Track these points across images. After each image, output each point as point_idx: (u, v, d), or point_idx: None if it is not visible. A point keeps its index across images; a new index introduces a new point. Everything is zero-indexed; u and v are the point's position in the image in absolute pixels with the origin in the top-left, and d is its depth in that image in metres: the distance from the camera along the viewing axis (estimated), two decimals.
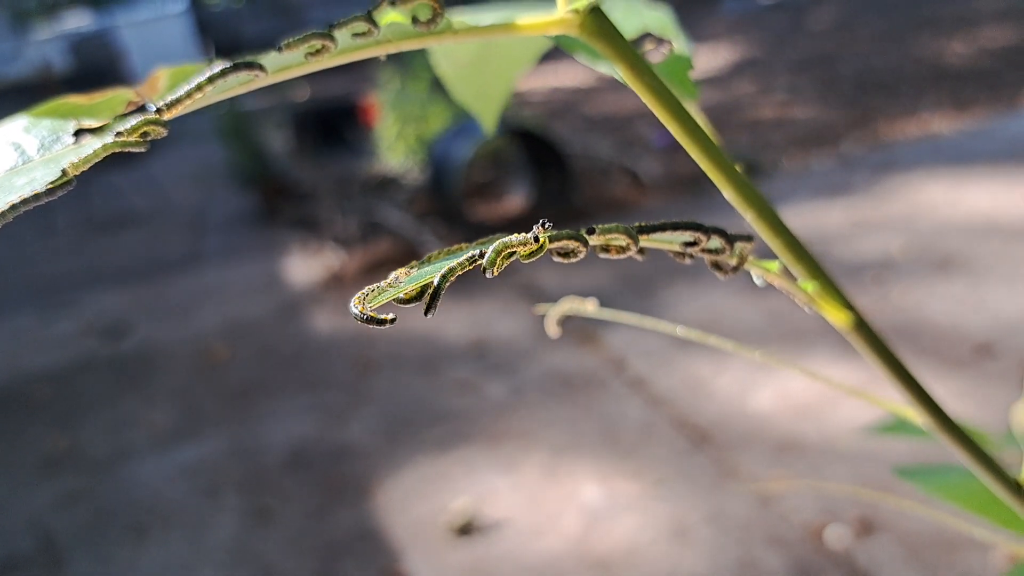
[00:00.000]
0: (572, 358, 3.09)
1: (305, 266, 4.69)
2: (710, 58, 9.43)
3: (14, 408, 3.48)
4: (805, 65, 8.07)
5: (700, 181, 4.96)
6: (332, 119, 6.47)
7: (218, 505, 2.55)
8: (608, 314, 0.39)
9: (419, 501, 2.42)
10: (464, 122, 4.79)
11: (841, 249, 3.76)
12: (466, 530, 2.26)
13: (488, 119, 0.61)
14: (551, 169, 4.79)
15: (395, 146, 5.46)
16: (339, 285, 4.25)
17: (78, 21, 12.69)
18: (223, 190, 6.85)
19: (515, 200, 5.06)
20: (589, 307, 0.42)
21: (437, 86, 5.23)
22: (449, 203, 4.55)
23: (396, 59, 6.46)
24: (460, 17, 0.42)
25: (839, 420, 2.48)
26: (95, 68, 9.95)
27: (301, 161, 5.87)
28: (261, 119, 6.53)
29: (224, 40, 15.34)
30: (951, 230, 3.74)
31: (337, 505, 2.47)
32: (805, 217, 4.25)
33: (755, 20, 11.85)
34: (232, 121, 5.78)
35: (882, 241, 3.74)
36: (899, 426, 0.76)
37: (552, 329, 0.34)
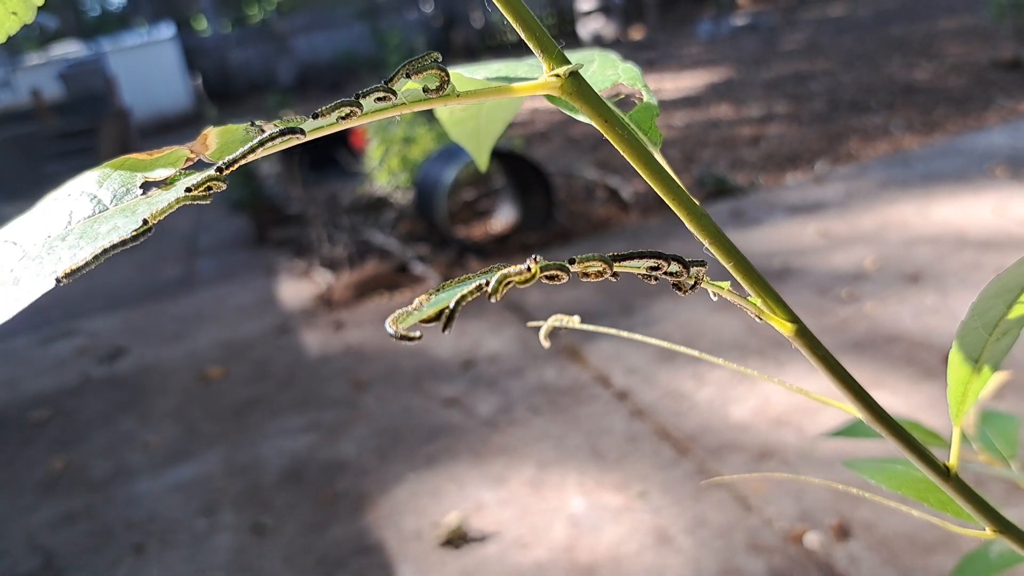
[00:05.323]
0: (558, 374, 3.17)
1: (296, 287, 4.76)
2: (687, 80, 9.60)
3: (12, 430, 3.51)
4: (779, 85, 8.24)
5: None
6: (321, 142, 6.56)
7: (215, 522, 2.60)
8: (597, 329, 0.47)
9: (411, 516, 2.49)
10: (449, 145, 4.89)
11: (816, 263, 3.87)
12: (457, 543, 2.33)
13: (482, 157, 0.69)
14: (535, 189, 4.89)
15: (382, 169, 5.54)
16: (329, 305, 4.32)
17: (68, 48, 12.73)
18: (214, 213, 6.91)
19: (500, 219, 5.15)
20: (576, 321, 0.49)
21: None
22: (435, 224, 4.64)
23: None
24: (456, 70, 0.50)
25: (817, 428, 2.57)
26: (85, 94, 9.98)
27: (291, 184, 5.94)
28: None
29: (211, 66, 15.42)
30: (922, 243, 3.86)
31: (332, 521, 2.52)
32: (781, 232, 4.37)
33: (730, 42, 12.07)
34: None
35: (855, 255, 3.86)
36: (853, 429, 0.84)
37: (545, 342, 0.41)
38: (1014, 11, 7.60)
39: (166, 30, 14.86)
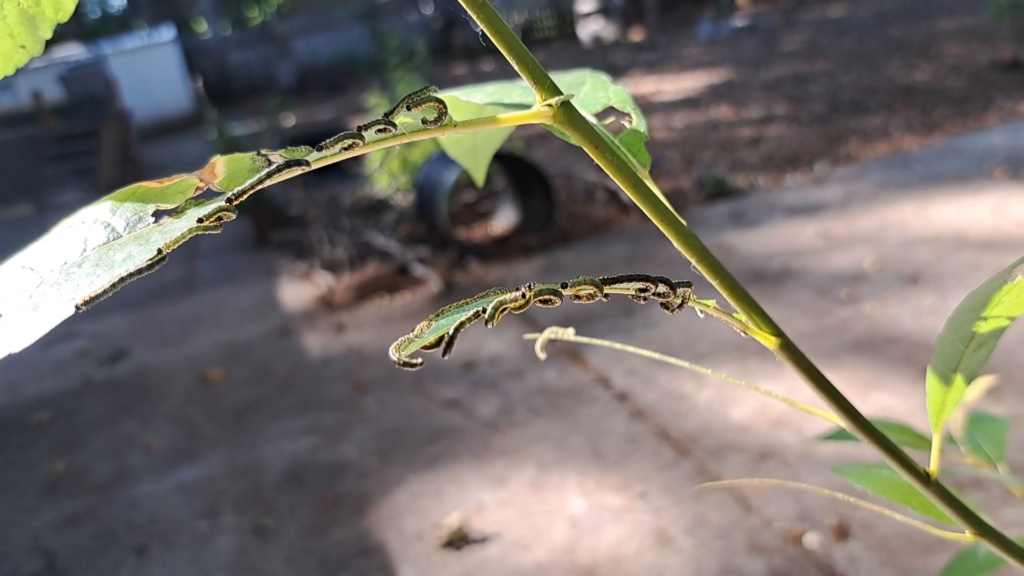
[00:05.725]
0: (559, 376, 3.19)
1: (297, 289, 4.77)
2: (687, 81, 9.61)
3: (14, 432, 3.52)
4: (778, 86, 8.25)
5: (678, 201, 5.08)
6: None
7: (217, 524, 2.62)
8: (591, 341, 0.48)
9: (412, 517, 2.50)
10: None
11: (815, 264, 3.88)
12: (458, 544, 2.34)
13: (478, 174, 0.71)
14: (535, 191, 4.90)
15: (382, 171, 5.56)
16: (330, 307, 4.33)
17: (68, 51, 12.73)
18: None
19: (501, 221, 5.16)
20: (570, 334, 0.50)
21: None
22: (436, 226, 4.65)
23: (381, 84, 6.56)
24: (452, 93, 0.51)
25: (816, 428, 2.59)
26: (86, 97, 9.99)
27: (291, 187, 5.95)
28: (251, 145, 6.62)
29: (211, 68, 15.44)
30: (921, 244, 3.87)
31: (333, 522, 2.54)
32: (780, 234, 4.38)
33: (730, 43, 12.08)
34: (223, 147, 5.87)
35: (855, 256, 3.87)
36: (841, 434, 0.86)
37: (541, 354, 0.42)
38: (1014, 11, 7.61)
39: (166, 32, 14.88)
